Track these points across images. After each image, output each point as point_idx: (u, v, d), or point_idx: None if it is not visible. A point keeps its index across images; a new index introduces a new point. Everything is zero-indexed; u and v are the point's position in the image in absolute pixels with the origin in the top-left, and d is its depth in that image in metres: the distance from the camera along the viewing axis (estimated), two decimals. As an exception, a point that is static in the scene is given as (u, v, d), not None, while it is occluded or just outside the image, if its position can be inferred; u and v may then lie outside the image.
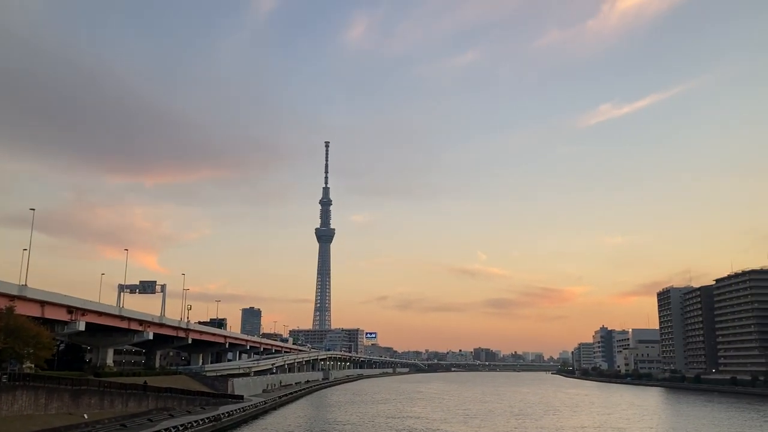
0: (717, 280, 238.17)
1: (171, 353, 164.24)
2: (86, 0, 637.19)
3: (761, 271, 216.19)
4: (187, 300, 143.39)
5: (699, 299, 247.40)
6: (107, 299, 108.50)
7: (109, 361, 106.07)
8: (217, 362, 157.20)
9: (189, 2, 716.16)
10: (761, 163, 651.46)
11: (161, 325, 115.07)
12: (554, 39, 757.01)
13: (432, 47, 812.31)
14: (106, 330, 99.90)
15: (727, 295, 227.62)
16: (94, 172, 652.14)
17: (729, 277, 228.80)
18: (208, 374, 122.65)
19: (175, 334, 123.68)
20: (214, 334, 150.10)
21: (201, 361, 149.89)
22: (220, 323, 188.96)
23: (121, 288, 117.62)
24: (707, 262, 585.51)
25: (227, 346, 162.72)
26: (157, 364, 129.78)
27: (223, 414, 79.55)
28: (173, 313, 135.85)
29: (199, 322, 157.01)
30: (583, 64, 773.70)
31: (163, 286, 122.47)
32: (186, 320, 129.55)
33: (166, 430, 60.82)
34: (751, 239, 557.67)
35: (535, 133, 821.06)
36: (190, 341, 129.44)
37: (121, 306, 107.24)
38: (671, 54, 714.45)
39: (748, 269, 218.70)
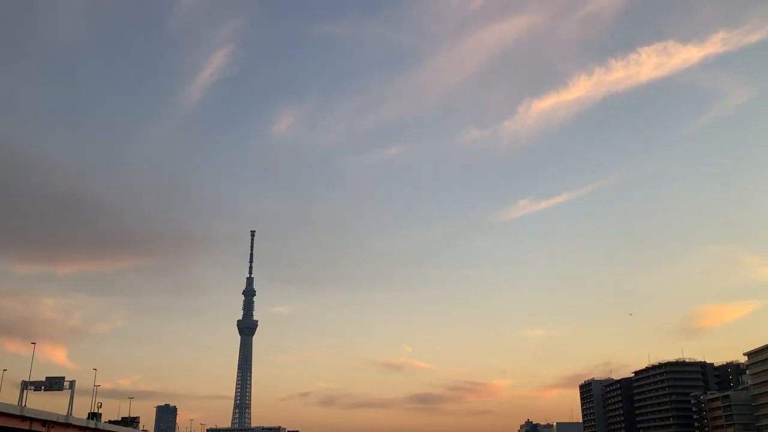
0: (636, 373, 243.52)
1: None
2: None
3: (677, 363, 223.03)
4: (98, 397, 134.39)
5: (619, 392, 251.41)
6: (9, 398, 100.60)
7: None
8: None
9: (109, 87, 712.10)
10: (667, 261, 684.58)
11: (67, 425, 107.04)
12: (473, 137, 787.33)
13: (355, 141, 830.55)
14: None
15: (646, 387, 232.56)
16: (3, 260, 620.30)
17: (647, 369, 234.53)
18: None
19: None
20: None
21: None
22: (132, 422, 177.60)
23: (25, 385, 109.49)
24: (626, 355, 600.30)
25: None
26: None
27: None
28: (82, 412, 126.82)
29: (110, 421, 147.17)
30: (501, 161, 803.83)
31: (71, 383, 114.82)
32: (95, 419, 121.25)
33: None
34: (664, 332, 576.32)
35: (457, 227, 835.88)
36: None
37: (23, 405, 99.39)
38: (583, 153, 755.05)
39: (664, 361, 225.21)
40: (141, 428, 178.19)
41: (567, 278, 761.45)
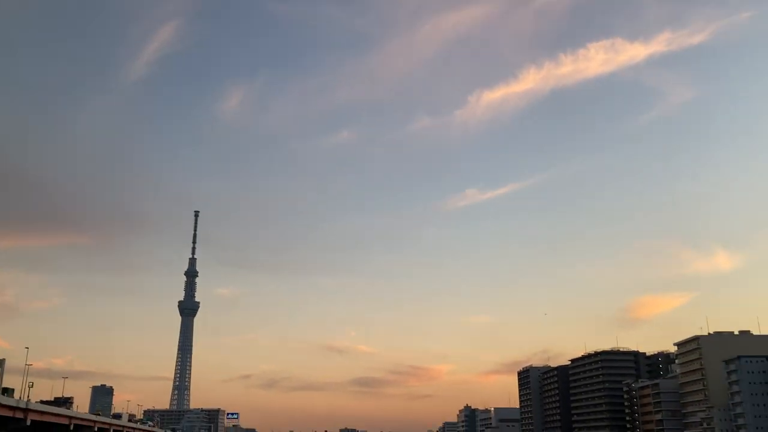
0: (572, 360, 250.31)
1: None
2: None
3: (611, 352, 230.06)
4: (30, 376, 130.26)
5: (556, 379, 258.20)
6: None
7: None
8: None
9: (48, 58, 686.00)
10: (608, 252, 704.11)
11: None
12: (425, 125, 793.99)
13: (306, 124, 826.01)
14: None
15: (581, 374, 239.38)
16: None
17: (583, 357, 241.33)
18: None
19: (11, 415, 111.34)
20: (57, 415, 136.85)
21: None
22: (65, 402, 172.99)
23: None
24: (563, 343, 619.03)
25: (72, 429, 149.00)
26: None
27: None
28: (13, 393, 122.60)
29: (42, 401, 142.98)
30: (451, 150, 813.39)
31: (1, 361, 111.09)
32: (26, 399, 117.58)
33: None
34: (601, 322, 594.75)
35: (404, 214, 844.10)
36: (28, 423, 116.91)
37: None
38: (528, 147, 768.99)
39: (600, 350, 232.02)
40: (75, 409, 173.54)
41: (510, 267, 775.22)
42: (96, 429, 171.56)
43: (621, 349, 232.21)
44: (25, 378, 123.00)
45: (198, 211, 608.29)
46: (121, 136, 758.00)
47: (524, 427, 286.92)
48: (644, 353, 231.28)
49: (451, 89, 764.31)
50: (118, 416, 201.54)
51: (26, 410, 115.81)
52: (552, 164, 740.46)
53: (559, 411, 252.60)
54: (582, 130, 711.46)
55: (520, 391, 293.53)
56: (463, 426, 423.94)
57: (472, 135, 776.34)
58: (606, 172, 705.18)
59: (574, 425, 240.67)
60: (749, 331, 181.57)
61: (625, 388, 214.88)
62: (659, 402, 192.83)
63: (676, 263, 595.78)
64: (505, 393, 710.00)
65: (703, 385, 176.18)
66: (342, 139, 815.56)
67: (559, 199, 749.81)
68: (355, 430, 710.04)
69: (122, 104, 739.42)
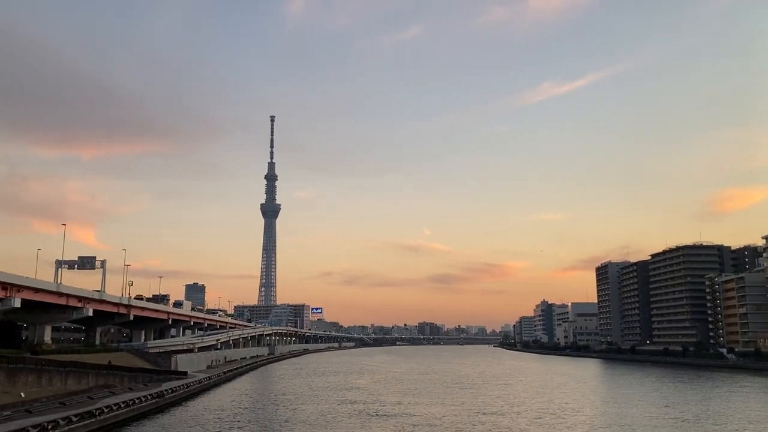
0: (652, 255, 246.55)
1: (112, 330, 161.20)
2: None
3: (694, 247, 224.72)
4: (128, 276, 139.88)
5: (635, 274, 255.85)
6: (44, 275, 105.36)
7: (47, 338, 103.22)
8: (160, 339, 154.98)
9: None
10: (687, 143, 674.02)
11: (101, 302, 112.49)
12: (497, 16, 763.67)
13: (375, 21, 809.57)
14: (44, 307, 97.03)
15: (661, 269, 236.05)
16: (23, 144, 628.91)
17: (664, 252, 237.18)
18: (150, 351, 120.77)
19: (116, 311, 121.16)
20: (156, 311, 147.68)
21: (143, 337, 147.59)
22: (162, 299, 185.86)
23: (59, 264, 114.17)
24: (643, 238, 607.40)
25: (170, 323, 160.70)
26: (98, 341, 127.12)
27: (166, 390, 78.59)
28: (113, 290, 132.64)
29: (136, 297, 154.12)
30: (525, 41, 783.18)
31: (103, 262, 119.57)
32: (127, 296, 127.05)
33: (106, 407, 59.63)
34: (683, 216, 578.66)
35: (476, 111, 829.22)
36: (131, 318, 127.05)
37: (59, 282, 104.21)
38: (608, 34, 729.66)
39: (681, 245, 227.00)
40: (170, 305, 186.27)
41: (587, 163, 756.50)
42: (192, 323, 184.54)
43: (704, 243, 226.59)
44: (124, 277, 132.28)
45: (273, 116, 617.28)
46: (193, 42, 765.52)
47: (602, 321, 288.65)
48: (729, 247, 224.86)
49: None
50: (179, 304, 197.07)
51: (129, 306, 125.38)
52: (629, 53, 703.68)
53: (638, 306, 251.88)
54: (660, 17, 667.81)
55: (598, 286, 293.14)
56: (539, 320, 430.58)
57: (547, 25, 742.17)
58: (683, 60, 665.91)
59: (653, 320, 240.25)
60: None
61: (707, 282, 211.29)
62: (743, 296, 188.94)
63: (760, 153, 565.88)
64: (583, 289, 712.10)
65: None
66: (411, 34, 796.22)
67: (637, 90, 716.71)
68: (433, 323, 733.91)
69: (192, 9, 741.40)
